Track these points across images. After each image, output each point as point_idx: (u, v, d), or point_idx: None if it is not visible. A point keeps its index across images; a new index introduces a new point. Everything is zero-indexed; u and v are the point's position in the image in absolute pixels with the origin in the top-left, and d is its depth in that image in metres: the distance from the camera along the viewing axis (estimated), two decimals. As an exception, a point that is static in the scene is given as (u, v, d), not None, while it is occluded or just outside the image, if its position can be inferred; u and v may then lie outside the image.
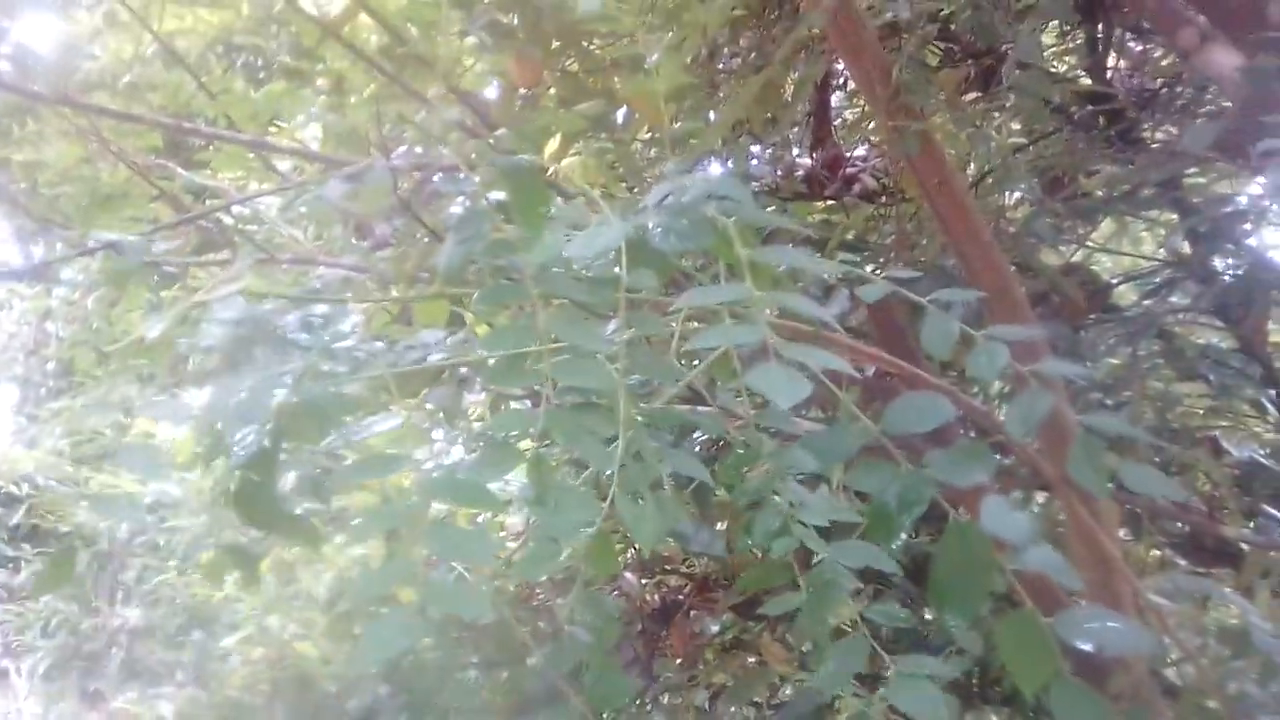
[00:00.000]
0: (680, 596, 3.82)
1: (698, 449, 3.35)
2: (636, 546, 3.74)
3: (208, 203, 3.22)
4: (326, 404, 1.29)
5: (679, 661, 3.86)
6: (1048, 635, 1.32)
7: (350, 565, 4.16)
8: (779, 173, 4.24)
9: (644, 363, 1.31)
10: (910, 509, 1.42)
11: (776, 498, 1.39)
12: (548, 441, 1.22)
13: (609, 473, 1.18)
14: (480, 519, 3.08)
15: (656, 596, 3.79)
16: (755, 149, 4.26)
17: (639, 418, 1.26)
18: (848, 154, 4.40)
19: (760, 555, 1.54)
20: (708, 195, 1.39)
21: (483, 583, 1.52)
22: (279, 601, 4.79)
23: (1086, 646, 1.34)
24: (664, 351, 1.39)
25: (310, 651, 4.55)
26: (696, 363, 1.41)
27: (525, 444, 1.26)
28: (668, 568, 3.71)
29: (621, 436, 1.20)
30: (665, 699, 4.39)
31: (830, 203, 4.28)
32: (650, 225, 1.33)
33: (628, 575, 3.54)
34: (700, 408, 1.60)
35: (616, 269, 1.25)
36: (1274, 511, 3.49)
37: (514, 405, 3.06)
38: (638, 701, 4.28)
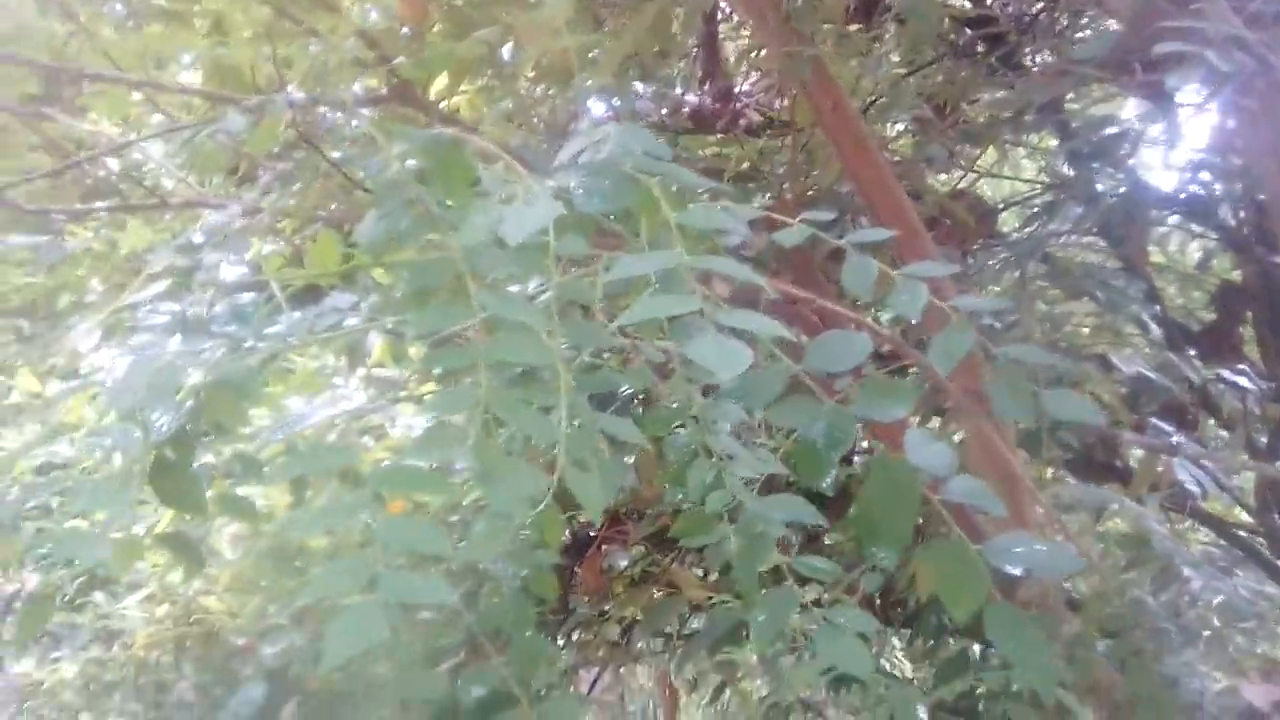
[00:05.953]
0: (592, 533, 3.84)
1: (618, 403, 3.36)
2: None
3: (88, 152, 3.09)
4: (244, 380, 1.27)
5: (589, 599, 3.90)
6: (978, 562, 1.35)
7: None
8: (665, 110, 4.21)
9: (576, 331, 1.31)
10: (837, 445, 1.44)
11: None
12: (488, 416, 1.20)
13: (553, 445, 1.18)
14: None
15: (568, 532, 3.80)
16: (640, 86, 4.22)
17: (573, 384, 1.25)
18: (736, 88, 4.40)
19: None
20: (625, 152, 1.37)
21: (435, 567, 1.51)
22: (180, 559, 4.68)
23: (1015, 571, 1.38)
24: (592, 315, 1.38)
25: (216, 606, 4.47)
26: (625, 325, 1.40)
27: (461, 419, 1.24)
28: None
29: (562, 406, 1.19)
30: (576, 635, 4.43)
31: (721, 136, 4.28)
32: (571, 186, 1.31)
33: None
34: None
35: (545, 237, 1.24)
36: (1162, 425, 3.62)
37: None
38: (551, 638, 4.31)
